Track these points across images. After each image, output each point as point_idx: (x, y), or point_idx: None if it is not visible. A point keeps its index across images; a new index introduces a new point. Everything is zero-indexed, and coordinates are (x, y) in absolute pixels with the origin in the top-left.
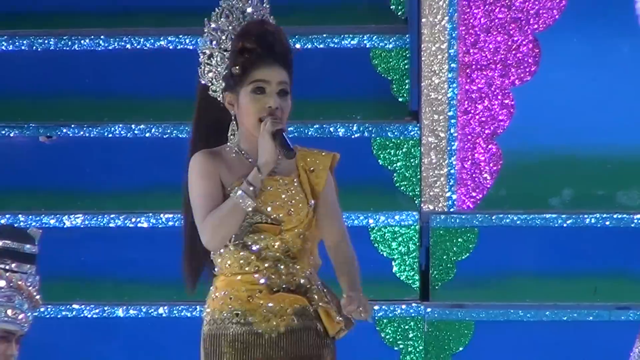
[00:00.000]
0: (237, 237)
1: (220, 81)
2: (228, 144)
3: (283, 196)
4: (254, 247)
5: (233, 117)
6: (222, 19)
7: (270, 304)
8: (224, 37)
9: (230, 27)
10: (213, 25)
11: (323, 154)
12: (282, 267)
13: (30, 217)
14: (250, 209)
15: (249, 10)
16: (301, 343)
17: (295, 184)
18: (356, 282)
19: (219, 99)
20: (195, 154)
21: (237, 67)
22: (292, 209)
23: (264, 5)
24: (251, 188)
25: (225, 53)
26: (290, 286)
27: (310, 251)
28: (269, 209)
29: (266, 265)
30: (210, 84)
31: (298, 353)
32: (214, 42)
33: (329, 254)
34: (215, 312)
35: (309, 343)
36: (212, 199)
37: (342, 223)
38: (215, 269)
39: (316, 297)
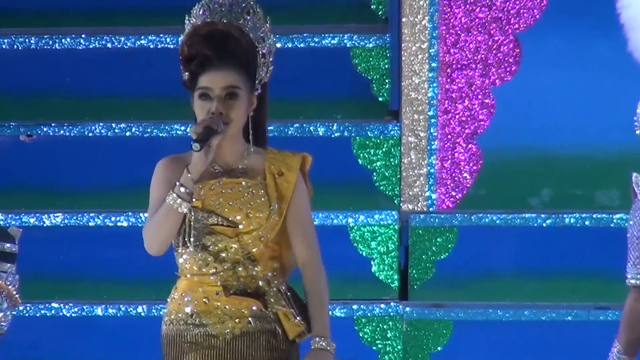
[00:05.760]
0: (196, 238)
1: None
2: None
3: (242, 198)
4: (212, 249)
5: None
6: (199, 14)
7: (226, 306)
8: None
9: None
10: (188, 22)
11: (291, 154)
12: (240, 269)
13: (10, 216)
14: (185, 211)
15: (228, 1)
16: (257, 346)
17: (259, 187)
18: (320, 321)
19: None
20: (160, 160)
21: (186, 74)
22: (250, 212)
23: None
24: (182, 189)
25: None
26: (247, 289)
27: (281, 256)
28: (225, 210)
29: (225, 267)
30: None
31: (254, 356)
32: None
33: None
34: (172, 313)
35: (266, 346)
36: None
37: (312, 242)
38: (177, 271)
39: (272, 300)
